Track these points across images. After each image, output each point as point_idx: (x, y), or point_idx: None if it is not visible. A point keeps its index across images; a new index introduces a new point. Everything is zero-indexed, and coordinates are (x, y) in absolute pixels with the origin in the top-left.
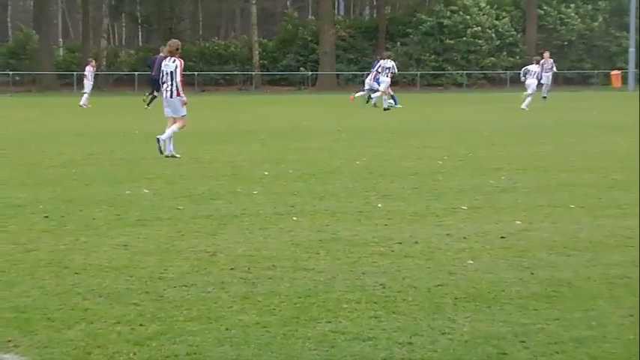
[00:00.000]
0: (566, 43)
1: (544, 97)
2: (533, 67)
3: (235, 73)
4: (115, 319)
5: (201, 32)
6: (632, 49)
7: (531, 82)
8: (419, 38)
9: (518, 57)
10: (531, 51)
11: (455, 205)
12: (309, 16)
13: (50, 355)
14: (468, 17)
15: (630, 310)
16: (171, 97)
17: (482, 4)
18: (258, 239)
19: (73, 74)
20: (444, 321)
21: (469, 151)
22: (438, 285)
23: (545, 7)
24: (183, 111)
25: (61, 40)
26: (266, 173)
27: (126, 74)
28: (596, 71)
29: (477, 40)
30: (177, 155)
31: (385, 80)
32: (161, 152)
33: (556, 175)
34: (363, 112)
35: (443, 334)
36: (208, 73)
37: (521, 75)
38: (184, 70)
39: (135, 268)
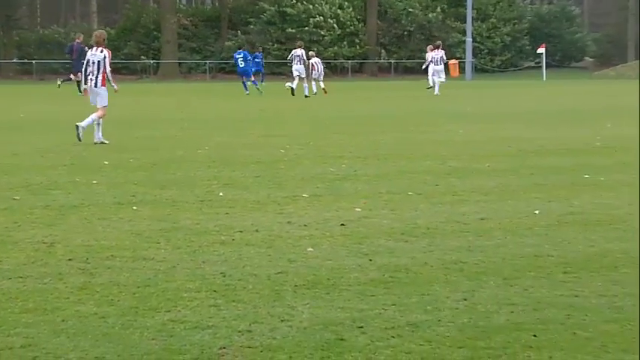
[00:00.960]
0: (406, 33)
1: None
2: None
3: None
4: None
5: (39, 20)
6: (469, 39)
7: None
8: (261, 27)
9: (358, 47)
10: (372, 41)
11: (296, 193)
12: (152, 4)
13: None
14: (311, 7)
15: (464, 294)
16: (95, 86)
17: None
18: (98, 229)
19: None
20: (283, 308)
21: (311, 140)
22: (279, 272)
23: None
24: (105, 101)
25: None
26: (106, 162)
27: None
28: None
29: (319, 30)
30: (106, 141)
31: (299, 67)
32: (79, 139)
33: (395, 163)
34: (207, 102)
35: (282, 321)
36: (48, 62)
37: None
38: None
39: None
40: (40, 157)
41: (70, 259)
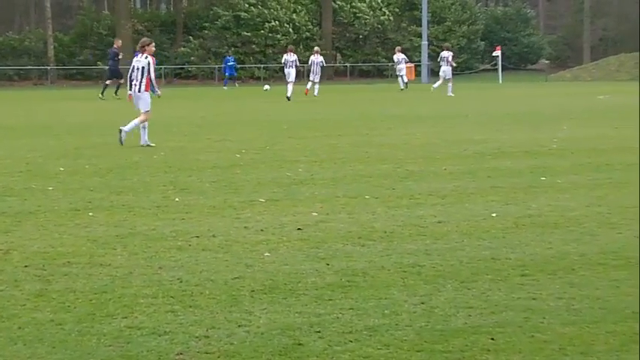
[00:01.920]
0: (360, 36)
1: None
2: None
3: (30, 67)
4: None
5: None
6: (424, 42)
7: (446, 69)
8: (216, 32)
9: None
10: (328, 45)
11: (253, 197)
12: (105, 11)
13: None
14: (266, 11)
15: (422, 297)
16: (139, 91)
17: None
18: (54, 236)
19: None
20: (241, 313)
21: (267, 144)
22: (236, 277)
23: (339, 2)
24: (148, 106)
25: None
26: (62, 169)
27: None
28: (390, 64)
29: (275, 35)
30: (152, 144)
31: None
32: (121, 143)
33: (352, 167)
34: (162, 107)
35: (239, 326)
36: (2, 68)
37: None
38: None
39: None
40: None
41: (26, 266)
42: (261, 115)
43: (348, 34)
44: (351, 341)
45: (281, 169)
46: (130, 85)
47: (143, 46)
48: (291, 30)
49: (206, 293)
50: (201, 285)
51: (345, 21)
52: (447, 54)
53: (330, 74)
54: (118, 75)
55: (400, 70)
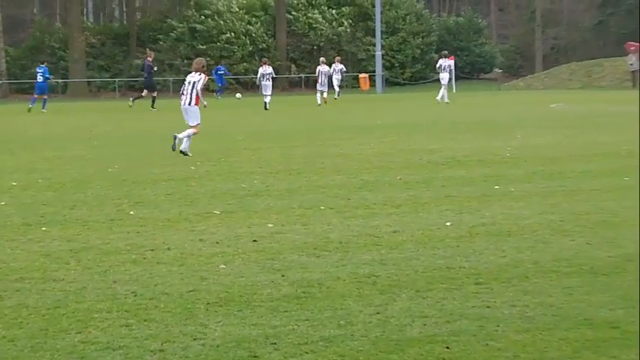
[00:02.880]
0: (315, 47)
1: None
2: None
3: None
4: None
5: None
6: (378, 53)
7: (444, 75)
8: (170, 44)
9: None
10: (283, 56)
11: (208, 210)
12: (57, 23)
13: None
14: (222, 22)
15: (377, 307)
16: (189, 104)
17: (235, 9)
18: (7, 251)
19: None
20: (196, 326)
21: (223, 156)
22: (191, 291)
23: (293, 13)
24: (198, 119)
25: None
26: (14, 183)
27: None
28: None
29: (231, 46)
30: (189, 154)
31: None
32: (173, 149)
33: (307, 178)
34: (117, 119)
35: (195, 339)
36: None
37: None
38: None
39: None
40: None
41: None
42: (216, 126)
43: (303, 45)
44: (307, 352)
45: (236, 180)
46: (182, 100)
47: (197, 67)
48: (247, 41)
49: (161, 307)
50: (156, 298)
51: (300, 32)
52: (448, 62)
53: (284, 85)
54: (153, 88)
55: (338, 80)
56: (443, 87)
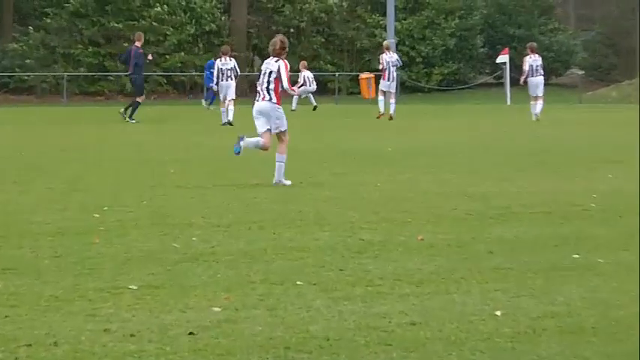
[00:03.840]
0: (292, 30)
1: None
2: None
3: None
4: None
5: None
6: (391, 40)
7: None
8: (65, 22)
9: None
10: (241, 43)
11: (119, 283)
12: None
13: None
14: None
15: None
16: (270, 101)
17: None
18: None
19: None
20: None
21: (144, 197)
22: None
23: None
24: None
25: None
26: None
27: None
28: (337, 73)
29: (160, 26)
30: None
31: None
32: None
33: (277, 233)
34: None
35: None
36: None
37: None
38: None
39: None
40: None
41: None
42: (135, 150)
43: (273, 27)
44: None
45: (164, 237)
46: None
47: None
48: (187, 20)
49: None
50: None
51: (270, 5)
52: (534, 58)
53: (243, 88)
54: (140, 89)
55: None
56: (540, 98)
